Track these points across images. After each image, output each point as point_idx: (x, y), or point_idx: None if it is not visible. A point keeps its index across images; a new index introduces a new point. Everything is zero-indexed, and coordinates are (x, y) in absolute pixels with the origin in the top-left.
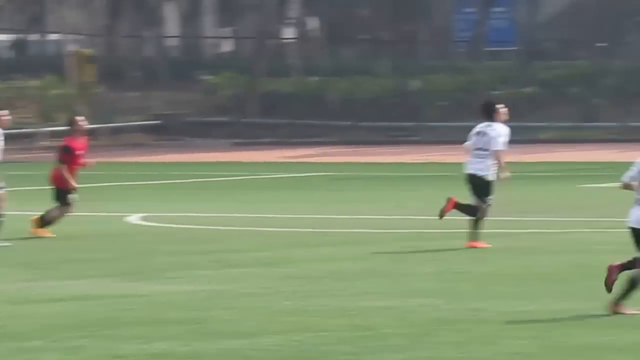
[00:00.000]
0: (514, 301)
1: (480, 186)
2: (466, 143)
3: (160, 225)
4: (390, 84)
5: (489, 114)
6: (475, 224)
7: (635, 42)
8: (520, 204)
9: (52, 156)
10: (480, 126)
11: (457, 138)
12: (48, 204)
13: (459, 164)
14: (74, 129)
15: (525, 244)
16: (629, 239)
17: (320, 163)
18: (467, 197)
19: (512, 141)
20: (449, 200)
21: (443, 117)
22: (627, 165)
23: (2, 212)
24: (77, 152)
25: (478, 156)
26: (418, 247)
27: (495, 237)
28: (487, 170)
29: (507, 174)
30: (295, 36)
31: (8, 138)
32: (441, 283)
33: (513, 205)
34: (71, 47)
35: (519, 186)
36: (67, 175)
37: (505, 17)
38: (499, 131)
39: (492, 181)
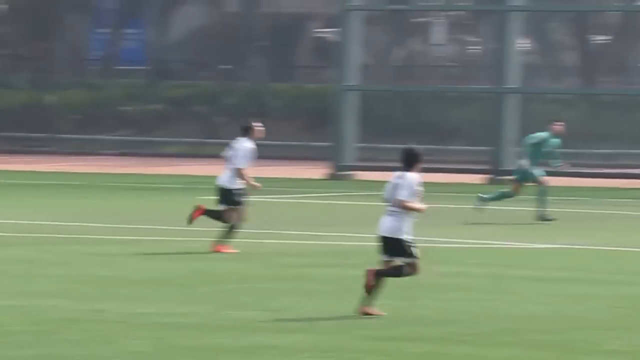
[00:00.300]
0: (135, 304)
1: (227, 195)
2: (224, 153)
3: None
4: (26, 98)
5: (246, 131)
6: (227, 231)
7: (256, 65)
8: (145, 213)
9: None
10: (236, 141)
11: (89, 150)
12: None
13: (90, 174)
14: None
15: (149, 249)
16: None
17: None
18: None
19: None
20: (197, 207)
21: (76, 130)
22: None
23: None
24: None
25: (228, 169)
26: (49, 250)
27: (121, 243)
28: (232, 181)
29: (256, 184)
30: None
31: None
32: (69, 285)
33: (138, 215)
34: None
35: (144, 197)
36: None
37: (137, 39)
38: (244, 147)
39: (237, 190)
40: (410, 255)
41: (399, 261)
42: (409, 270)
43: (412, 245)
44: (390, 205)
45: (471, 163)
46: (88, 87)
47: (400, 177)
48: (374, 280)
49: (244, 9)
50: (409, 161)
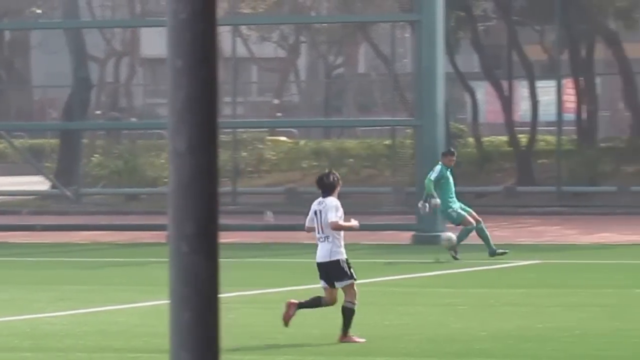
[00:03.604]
0: None
1: None
2: None
3: None
4: None
5: None
6: None
7: None
8: None
9: None
10: None
11: None
12: None
13: None
14: None
15: None
16: None
17: None
18: None
19: None
20: None
21: None
22: None
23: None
24: None
25: None
26: None
27: None
28: None
29: None
30: None
31: None
32: None
33: None
34: None
35: None
36: None
37: None
38: None
39: None
40: (350, 276)
41: (338, 286)
42: (329, 301)
43: (350, 266)
44: (321, 232)
45: None
46: None
47: (320, 204)
48: (293, 312)
49: None
50: (328, 188)
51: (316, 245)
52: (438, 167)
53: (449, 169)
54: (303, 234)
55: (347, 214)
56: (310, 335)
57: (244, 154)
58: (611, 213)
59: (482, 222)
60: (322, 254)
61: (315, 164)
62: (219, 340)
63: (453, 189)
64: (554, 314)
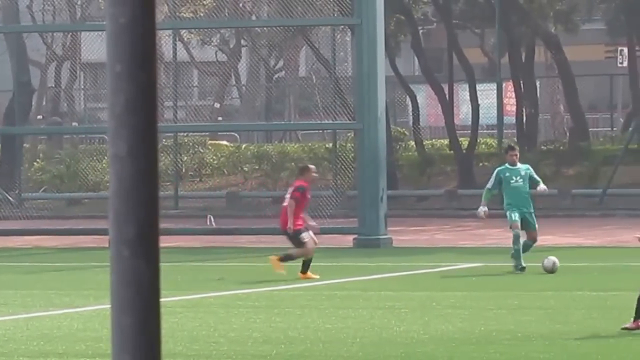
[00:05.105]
0: None
1: None
2: None
3: None
4: None
5: None
6: None
7: None
8: None
9: None
10: None
11: None
12: None
13: None
14: None
15: None
16: None
17: None
18: None
19: None
20: None
21: None
22: None
23: None
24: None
25: None
26: None
27: None
28: None
29: None
30: None
31: None
32: None
33: None
34: None
35: None
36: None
37: None
38: None
39: None
40: None
41: None
42: None
43: None
44: None
45: None
46: None
47: None
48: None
49: None
50: None
51: (257, 249)
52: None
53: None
54: (244, 237)
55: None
56: (251, 338)
57: (186, 158)
58: (552, 215)
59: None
60: None
61: (256, 167)
62: (160, 344)
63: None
64: (496, 317)
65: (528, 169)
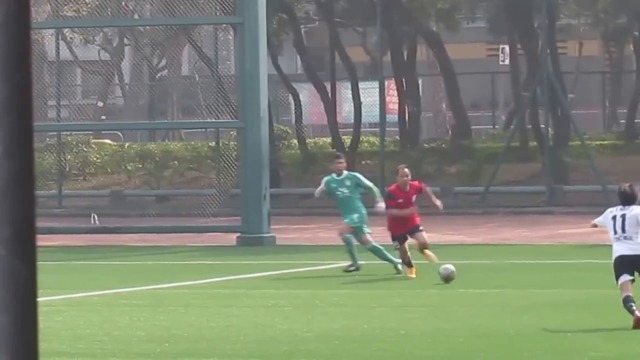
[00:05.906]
0: None
1: None
2: None
3: None
4: None
5: None
6: None
7: None
8: None
9: None
10: None
11: None
12: None
13: None
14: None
15: None
16: None
17: None
18: None
19: None
20: None
21: None
22: None
23: None
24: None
25: None
26: None
27: None
28: None
29: None
30: None
31: None
32: None
33: None
34: None
35: None
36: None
37: None
38: None
39: None
40: None
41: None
42: None
43: None
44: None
45: None
46: None
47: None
48: None
49: None
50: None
51: (141, 248)
52: None
53: None
54: (128, 236)
55: (172, 217)
56: (135, 337)
57: (69, 157)
58: (434, 213)
59: None
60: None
61: (140, 166)
62: (37, 343)
63: None
64: (379, 315)
65: (354, 176)
